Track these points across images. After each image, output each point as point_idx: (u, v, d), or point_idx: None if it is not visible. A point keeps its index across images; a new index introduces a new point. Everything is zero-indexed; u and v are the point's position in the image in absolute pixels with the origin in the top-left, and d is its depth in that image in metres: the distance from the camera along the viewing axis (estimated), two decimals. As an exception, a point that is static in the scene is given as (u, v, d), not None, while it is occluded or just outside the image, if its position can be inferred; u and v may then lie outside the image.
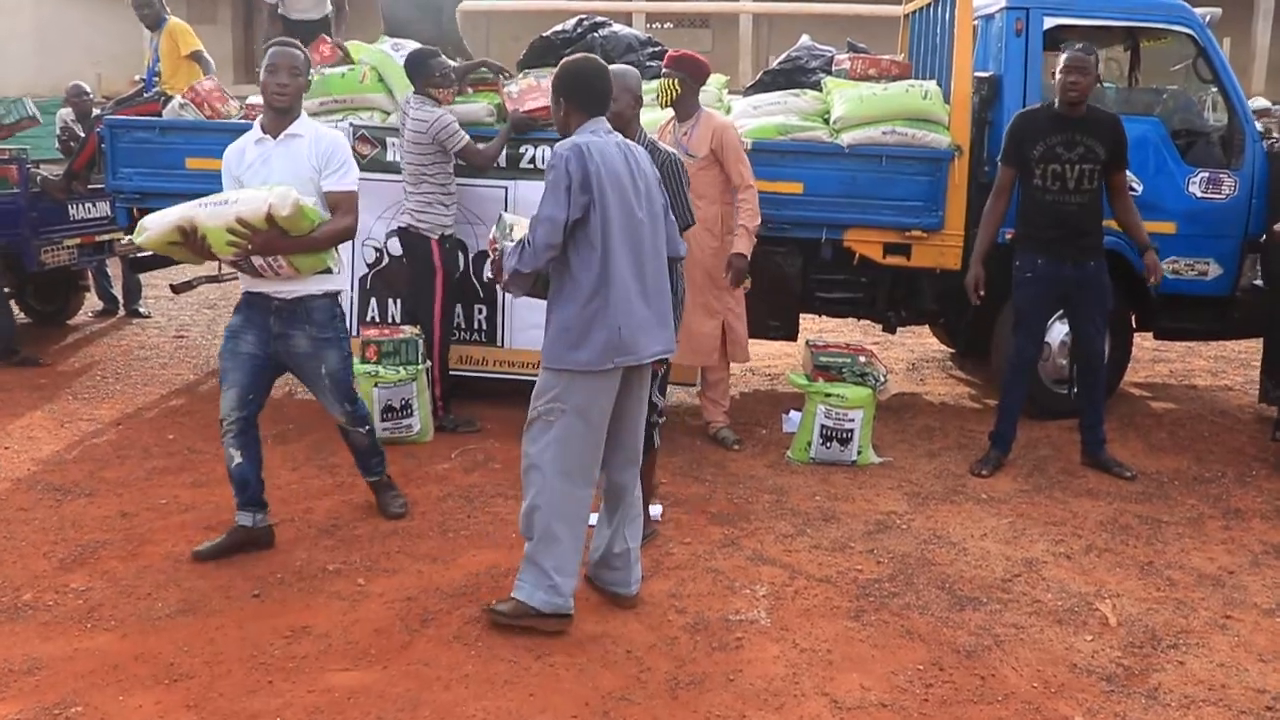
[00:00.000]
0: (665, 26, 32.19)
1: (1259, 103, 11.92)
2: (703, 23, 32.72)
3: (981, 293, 5.70)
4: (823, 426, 5.66)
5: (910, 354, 8.68)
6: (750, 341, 6.40)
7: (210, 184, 6.19)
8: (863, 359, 5.80)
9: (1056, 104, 5.48)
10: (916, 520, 4.96)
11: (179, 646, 3.55)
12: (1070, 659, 3.69)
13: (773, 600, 4.06)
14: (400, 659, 3.53)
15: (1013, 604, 4.12)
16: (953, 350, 8.50)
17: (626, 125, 4.33)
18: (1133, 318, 6.79)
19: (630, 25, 27.39)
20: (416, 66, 5.94)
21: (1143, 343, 8.63)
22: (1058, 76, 5.43)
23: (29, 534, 4.49)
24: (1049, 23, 6.41)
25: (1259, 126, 6.69)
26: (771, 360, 8.16)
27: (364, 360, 5.79)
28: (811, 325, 8.34)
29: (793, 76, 7.49)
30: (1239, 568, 4.51)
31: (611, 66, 4.00)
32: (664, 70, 5.84)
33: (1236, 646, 3.82)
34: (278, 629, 3.70)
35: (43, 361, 7.49)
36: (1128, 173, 5.71)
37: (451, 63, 6.20)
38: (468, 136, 5.91)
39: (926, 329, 8.57)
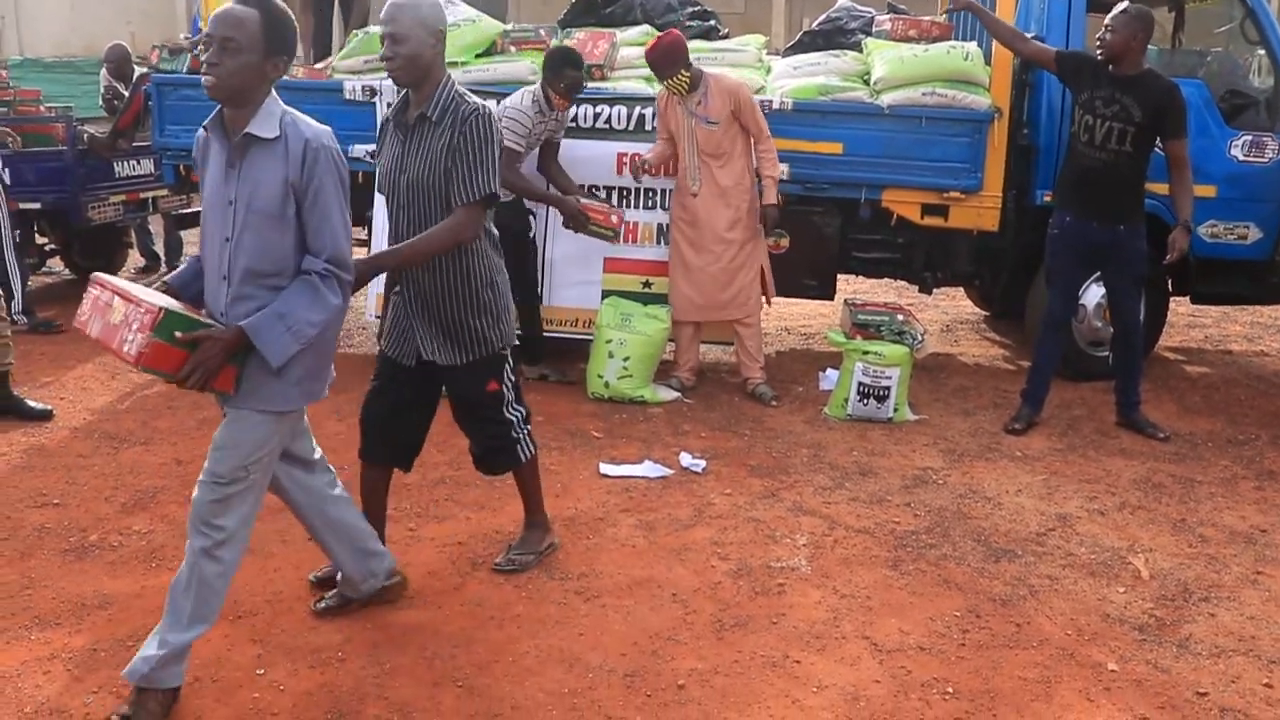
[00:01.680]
0: (699, -13, 31.98)
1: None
2: (738, -16, 32.44)
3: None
4: (860, 383, 5.74)
5: (945, 316, 8.73)
6: (788, 300, 6.46)
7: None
8: (900, 318, 5.86)
9: (1100, 60, 5.49)
10: (952, 476, 5.04)
11: (240, 585, 3.66)
12: (1103, 609, 3.78)
13: (813, 549, 4.16)
14: (453, 599, 3.66)
15: (1047, 556, 4.20)
16: (987, 313, 8.55)
17: (425, 71, 3.34)
18: (1169, 281, 6.80)
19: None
20: (554, 62, 5.84)
21: (1178, 308, 8.64)
22: (1132, 38, 5.39)
23: (90, 480, 4.64)
24: (1093, -17, 6.40)
25: None
26: (807, 320, 8.22)
27: (408, 315, 5.89)
28: (846, 286, 8.38)
29: (832, 38, 7.49)
30: (1271, 526, 4.57)
31: None
32: (666, 73, 5.81)
33: (1267, 600, 3.89)
34: (334, 570, 3.82)
35: (60, 327, 7.14)
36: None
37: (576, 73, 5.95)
38: (517, 148, 5.78)
39: (961, 291, 8.64)
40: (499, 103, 5.93)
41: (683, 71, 5.78)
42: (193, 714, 2.95)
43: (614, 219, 6.00)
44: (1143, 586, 3.98)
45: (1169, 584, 4.00)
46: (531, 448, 3.81)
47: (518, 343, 3.86)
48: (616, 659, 3.30)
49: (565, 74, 5.79)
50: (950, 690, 3.21)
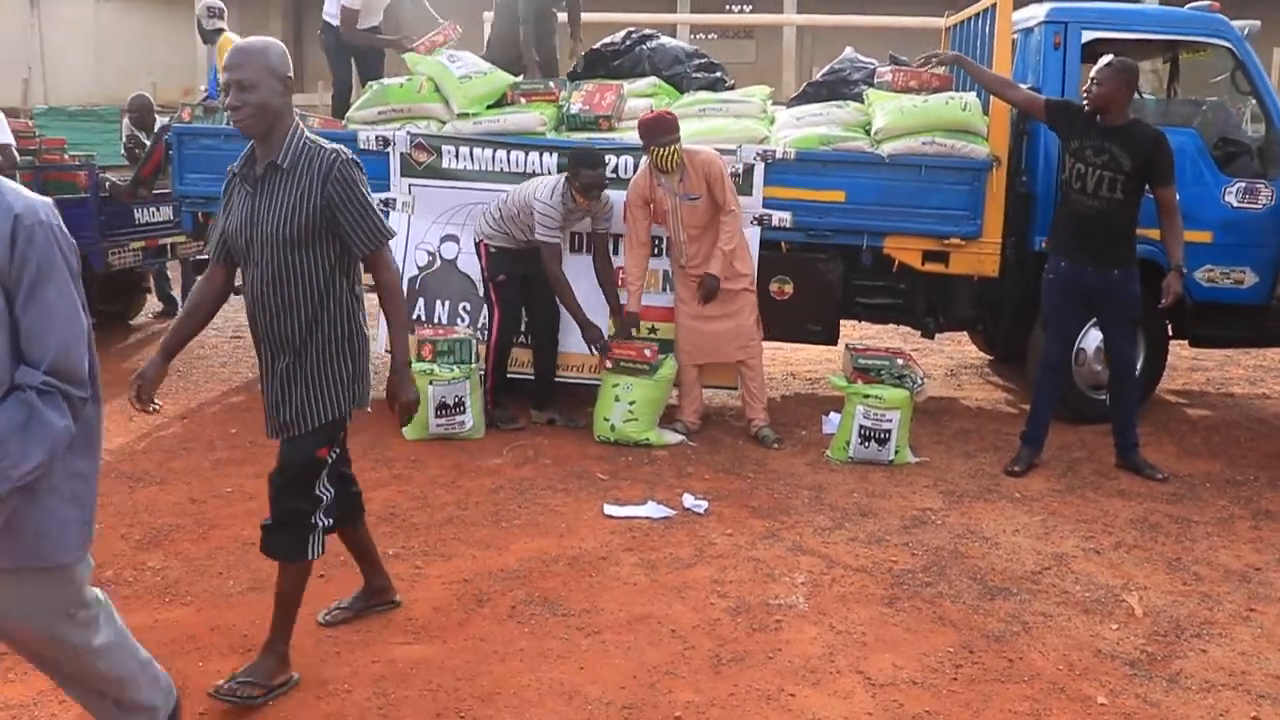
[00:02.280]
0: (710, 37, 32.46)
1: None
2: (746, 34, 32.99)
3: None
4: (861, 426, 5.83)
5: (949, 360, 8.82)
6: (794, 346, 6.57)
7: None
8: (900, 362, 5.97)
9: (1088, 109, 5.63)
10: (951, 516, 5.12)
11: (250, 620, 3.79)
12: (1095, 645, 3.85)
13: (811, 587, 4.25)
14: (458, 634, 3.76)
15: (1041, 594, 4.27)
16: (991, 357, 8.64)
17: (274, 119, 3.19)
18: (1168, 326, 6.90)
19: (674, 37, 27.61)
20: (581, 161, 6.06)
21: (1181, 351, 8.73)
22: (1093, 87, 5.58)
23: (106, 517, 4.76)
24: (1087, 36, 6.55)
25: None
26: (813, 365, 8.33)
27: (419, 359, 6.03)
28: (851, 332, 8.49)
29: (836, 88, 7.66)
30: (1265, 565, 4.63)
31: (242, 41, 3.31)
32: (661, 141, 5.93)
33: (1259, 637, 3.95)
34: (343, 605, 3.93)
35: None
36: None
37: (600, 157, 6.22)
38: (553, 239, 6.02)
39: (965, 336, 8.75)
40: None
41: (673, 143, 5.91)
42: (203, 743, 3.05)
43: (647, 353, 6.14)
44: (1136, 623, 4.05)
45: (1162, 621, 4.07)
46: (318, 550, 3.36)
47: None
48: (615, 692, 3.39)
49: (581, 174, 5.99)
50: (941, 722, 3.29)
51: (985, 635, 3.89)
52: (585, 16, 8.92)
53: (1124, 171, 5.50)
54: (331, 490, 3.40)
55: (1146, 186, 5.56)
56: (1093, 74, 5.60)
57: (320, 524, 3.36)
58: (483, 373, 6.26)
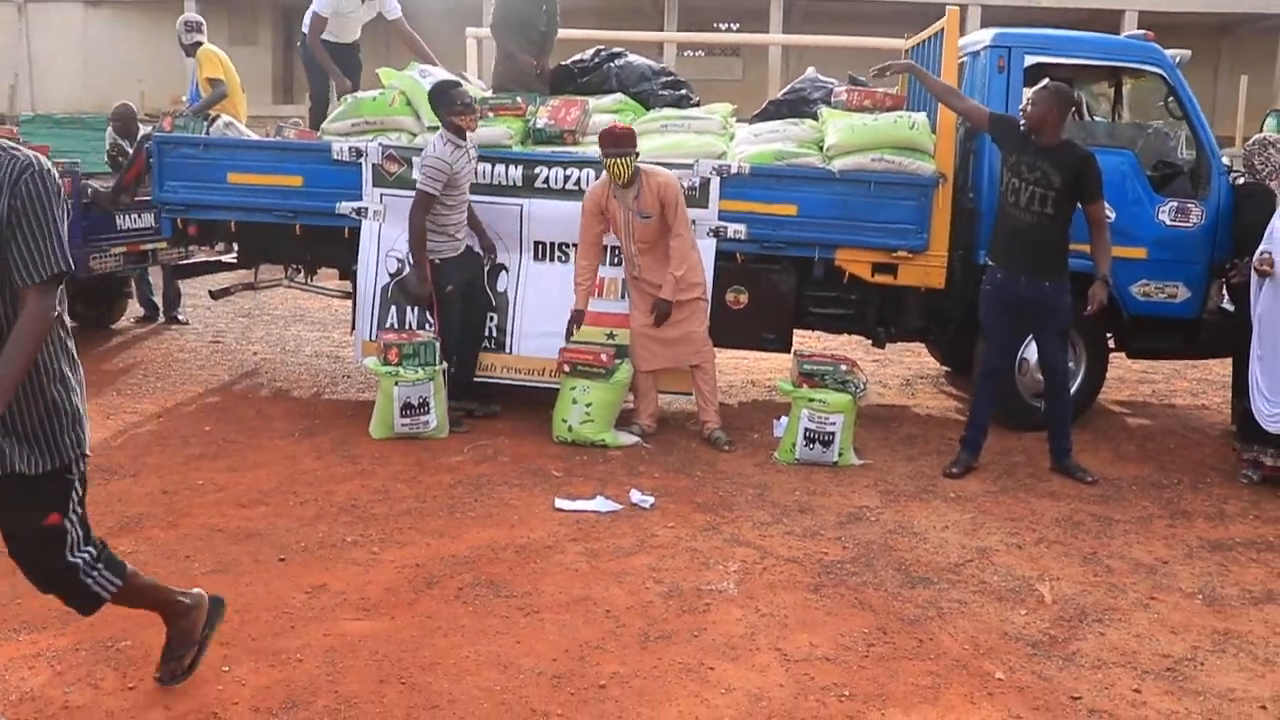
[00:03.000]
0: (697, 54, 32.90)
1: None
2: (733, 51, 33.40)
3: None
4: (806, 429, 6.12)
5: (907, 371, 9.12)
6: (756, 355, 6.85)
7: (249, 197, 6.82)
8: (844, 367, 6.26)
9: (1025, 129, 5.95)
10: (886, 513, 5.41)
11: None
12: (1003, 628, 4.13)
13: (742, 575, 4.52)
14: (406, 612, 4.02)
15: (960, 584, 4.55)
16: (947, 368, 8.94)
17: None
18: (1108, 339, 7.21)
19: (661, 54, 27.86)
20: (439, 97, 6.46)
21: (1132, 365, 9.08)
22: (1029, 108, 5.89)
23: (81, 505, 5.01)
24: (1029, 61, 6.87)
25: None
26: (772, 373, 8.61)
27: (385, 362, 6.30)
28: (816, 342, 8.76)
29: (796, 106, 7.98)
30: (1173, 559, 4.93)
31: None
32: (614, 152, 6.22)
33: (1154, 622, 4.24)
34: (299, 586, 4.20)
35: None
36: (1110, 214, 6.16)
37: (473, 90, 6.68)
38: (433, 190, 6.31)
39: (923, 348, 9.05)
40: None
41: (629, 156, 6.22)
42: (160, 704, 3.31)
43: (603, 358, 6.42)
44: (1044, 610, 4.33)
45: (1069, 608, 4.36)
46: (113, 583, 3.16)
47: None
48: (547, 663, 3.66)
49: (445, 110, 6.40)
50: (847, 693, 3.56)
51: (901, 619, 4.17)
52: (576, 34, 9.24)
53: (1054, 188, 5.82)
54: (92, 549, 3.12)
55: (1078, 203, 5.87)
56: (1029, 95, 5.93)
57: (94, 573, 3.10)
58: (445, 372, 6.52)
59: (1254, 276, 5.95)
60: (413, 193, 6.83)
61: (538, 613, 4.06)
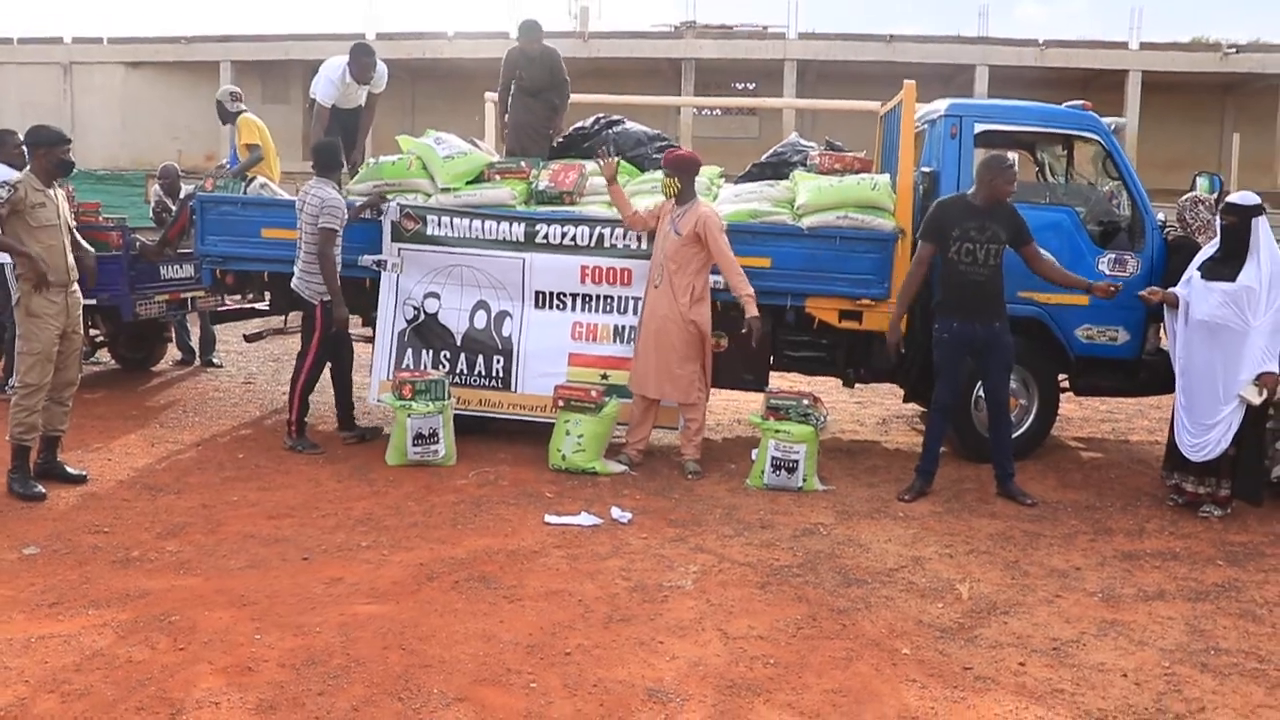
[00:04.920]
0: (715, 114, 33.97)
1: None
2: (750, 111, 34.41)
3: (902, 351, 6.87)
4: (773, 457, 6.84)
5: (885, 411, 9.82)
6: (747, 396, 7.49)
7: (280, 250, 7.62)
8: (806, 402, 6.98)
9: (970, 195, 6.71)
10: (838, 529, 6.11)
11: (247, 587, 4.81)
12: (919, 618, 4.82)
13: (700, 575, 5.24)
14: (409, 599, 4.76)
15: (891, 584, 5.25)
16: (924, 409, 9.62)
17: None
18: (1059, 379, 7.91)
19: (679, 115, 28.71)
20: (326, 154, 7.49)
21: (1099, 405, 9.77)
22: (994, 180, 6.59)
23: (133, 516, 5.81)
24: (979, 128, 7.65)
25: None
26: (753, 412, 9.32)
27: (399, 397, 7.08)
28: (813, 385, 9.48)
29: (778, 169, 8.78)
30: (1086, 566, 5.60)
31: None
32: (665, 169, 7.14)
33: (1053, 614, 4.92)
34: (319, 578, 4.96)
35: None
36: (1045, 252, 6.92)
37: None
38: (336, 226, 7.25)
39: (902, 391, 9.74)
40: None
41: (674, 178, 7.07)
42: (204, 659, 4.06)
43: (594, 394, 7.20)
44: (959, 604, 5.02)
45: (981, 603, 5.04)
46: None
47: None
48: (523, 637, 4.39)
49: (323, 168, 7.44)
50: (772, 661, 4.27)
51: (831, 609, 4.87)
52: (597, 98, 10.12)
53: (1001, 241, 6.59)
54: None
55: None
56: (1012, 171, 6.67)
57: None
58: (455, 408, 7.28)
59: (1167, 318, 6.67)
60: (426, 247, 7.67)
61: (520, 601, 4.79)
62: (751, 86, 34.35)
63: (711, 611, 4.78)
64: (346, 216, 7.36)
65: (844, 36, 31.11)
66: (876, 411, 9.80)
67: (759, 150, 8.26)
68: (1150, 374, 7.73)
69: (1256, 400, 6.20)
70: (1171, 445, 6.74)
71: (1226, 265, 6.37)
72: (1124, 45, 30.08)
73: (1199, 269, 6.51)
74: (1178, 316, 6.63)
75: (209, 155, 27.19)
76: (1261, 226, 6.35)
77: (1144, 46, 29.91)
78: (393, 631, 4.39)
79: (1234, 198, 6.51)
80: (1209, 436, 6.37)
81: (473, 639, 4.36)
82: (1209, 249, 6.60)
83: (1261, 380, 6.18)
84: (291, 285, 7.48)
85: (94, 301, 8.63)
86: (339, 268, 7.42)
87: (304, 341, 7.49)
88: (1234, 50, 29.06)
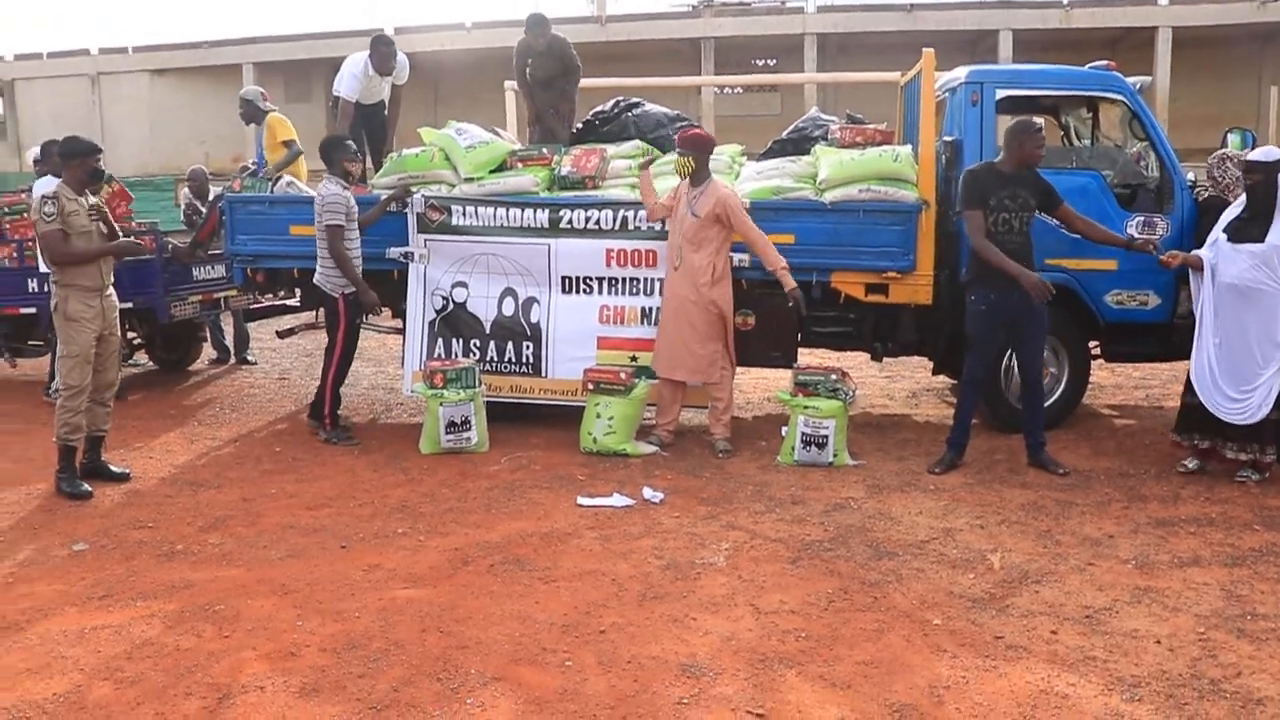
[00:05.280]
0: (736, 92, 33.87)
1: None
2: (771, 88, 34.27)
3: (1053, 292, 6.66)
4: (803, 434, 6.87)
5: (915, 384, 9.82)
6: (769, 373, 7.51)
7: (309, 247, 7.70)
8: (834, 377, 7.01)
9: (998, 163, 6.69)
10: (868, 503, 6.14)
11: (288, 576, 4.92)
12: (950, 589, 4.85)
13: (732, 551, 5.29)
14: (446, 583, 4.85)
15: (922, 556, 5.27)
16: (954, 381, 9.61)
17: None
18: (1089, 346, 7.88)
19: (700, 94, 28.67)
20: (332, 148, 7.54)
21: (1131, 372, 9.71)
22: (1023, 145, 6.58)
23: (175, 510, 5.94)
24: (1000, 94, 7.61)
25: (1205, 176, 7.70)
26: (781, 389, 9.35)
27: (431, 386, 7.17)
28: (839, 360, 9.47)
29: (799, 144, 8.79)
30: (1119, 534, 5.60)
31: None
32: (678, 149, 7.18)
33: (1085, 582, 4.93)
34: (358, 565, 5.06)
35: None
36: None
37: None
38: (340, 222, 7.29)
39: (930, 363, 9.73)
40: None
41: (688, 156, 7.09)
42: (248, 646, 4.17)
43: (623, 376, 7.24)
44: (991, 575, 5.04)
45: (1013, 573, 5.06)
46: None
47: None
48: (558, 616, 4.47)
49: (344, 148, 7.56)
50: (804, 635, 4.32)
51: (862, 583, 4.91)
52: (616, 81, 10.16)
53: (1031, 209, 6.59)
54: None
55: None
56: (1039, 133, 6.63)
57: None
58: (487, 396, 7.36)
59: (1192, 280, 6.62)
60: (452, 238, 7.74)
61: (554, 582, 4.87)
62: (772, 63, 34.18)
63: (743, 587, 4.83)
64: (350, 208, 7.40)
65: (864, 7, 30.89)
66: (906, 385, 9.80)
67: (782, 126, 8.29)
68: (1183, 338, 7.60)
69: None
70: (1189, 407, 6.68)
71: (1254, 225, 6.28)
72: (1152, 1, 29.65)
73: (1225, 230, 6.45)
74: (1203, 279, 6.55)
75: (235, 157, 27.47)
76: None
77: (1173, 1, 29.47)
78: (430, 615, 4.48)
79: (1257, 154, 6.40)
80: (1250, 401, 6.28)
81: (508, 620, 4.44)
82: (1235, 209, 6.52)
83: None
84: (314, 281, 7.58)
85: (130, 305, 8.77)
86: (359, 260, 7.53)
87: (330, 335, 7.58)
88: (1271, -1, 28.53)
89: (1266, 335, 6.22)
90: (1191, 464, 6.68)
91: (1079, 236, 6.92)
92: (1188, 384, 6.62)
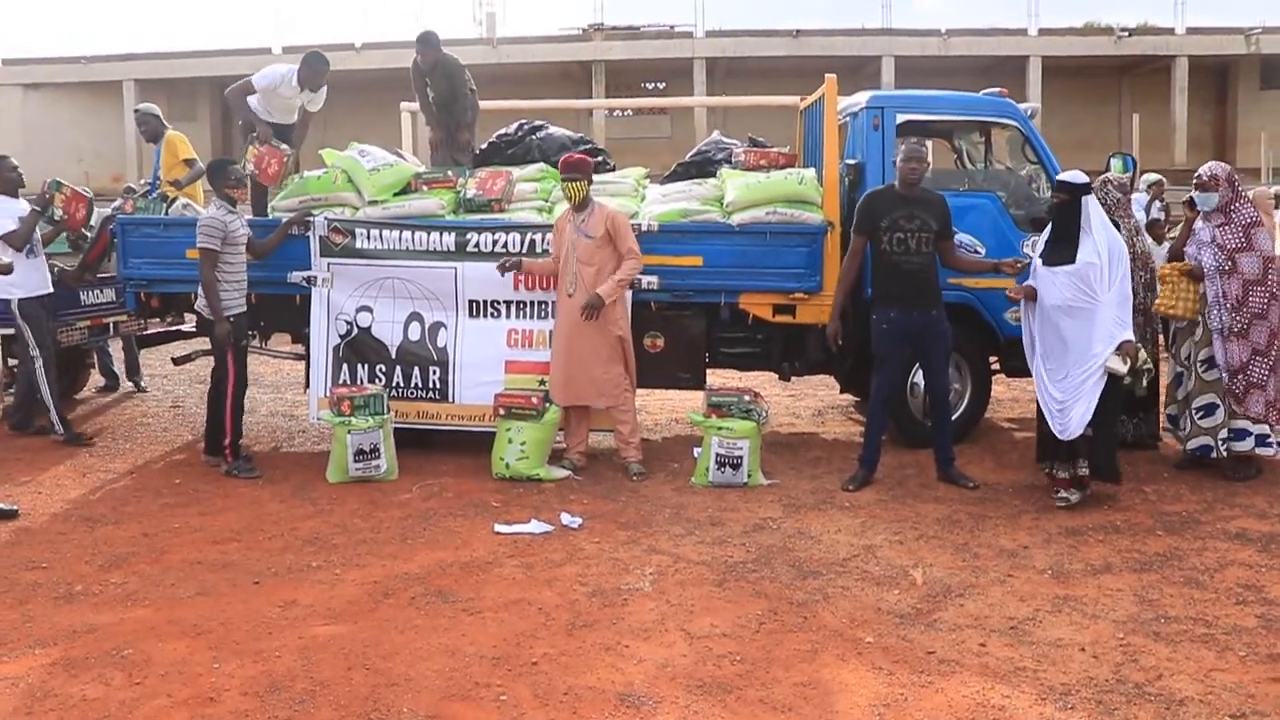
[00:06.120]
0: (626, 114, 34.04)
1: (1149, 177, 13.45)
2: (661, 111, 34.52)
3: (840, 342, 6.95)
4: (717, 454, 6.87)
5: (820, 402, 9.92)
6: (680, 394, 7.52)
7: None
8: (748, 398, 7.03)
9: (897, 185, 6.82)
10: (786, 523, 6.15)
11: (200, 615, 4.71)
12: (877, 605, 4.88)
13: (657, 576, 5.24)
14: (367, 618, 4.70)
15: (846, 574, 5.30)
16: (857, 399, 9.75)
17: None
18: (990, 362, 8.07)
19: (591, 116, 28.80)
20: (215, 172, 7.32)
21: (1026, 386, 9.89)
22: (899, 164, 6.77)
23: (71, 549, 5.65)
24: (900, 119, 7.76)
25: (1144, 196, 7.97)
26: (693, 410, 9.36)
27: (338, 413, 6.97)
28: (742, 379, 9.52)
29: (702, 167, 8.85)
30: (1033, 544, 5.72)
31: None
32: (568, 176, 7.05)
33: (1007, 594, 5.02)
34: (273, 602, 4.86)
35: (93, 440, 8.21)
36: (970, 237, 7.09)
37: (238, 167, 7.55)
38: (213, 246, 7.00)
39: (834, 381, 9.85)
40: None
41: (584, 181, 7.04)
42: (162, 693, 3.96)
43: (534, 400, 7.14)
44: (915, 590, 5.09)
45: (936, 587, 5.12)
46: None
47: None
48: (488, 649, 4.36)
49: (227, 172, 7.27)
50: (739, 658, 4.29)
51: (790, 603, 4.91)
52: (510, 104, 10.05)
53: (933, 230, 6.71)
54: None
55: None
56: (910, 154, 6.75)
57: None
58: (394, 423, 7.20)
59: (1023, 310, 6.72)
60: (356, 261, 7.57)
61: (479, 613, 4.75)
62: (661, 86, 34.50)
63: (672, 612, 4.78)
64: (228, 231, 7.08)
65: (751, 33, 31.41)
66: (810, 403, 9.89)
67: (672, 149, 8.32)
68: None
69: (1123, 368, 6.10)
70: (1042, 435, 6.77)
71: (1064, 247, 6.40)
72: (1023, 32, 30.80)
73: (1040, 257, 6.56)
74: (1032, 307, 6.60)
75: (115, 177, 26.58)
76: (1091, 204, 6.40)
77: (1042, 33, 30.66)
78: (354, 652, 4.33)
79: (1064, 176, 6.52)
80: (1071, 415, 6.27)
81: (437, 654, 4.31)
82: (1043, 236, 6.65)
83: (1123, 349, 6.13)
84: (195, 307, 7.34)
85: (10, 331, 8.36)
86: (242, 284, 7.33)
87: (217, 362, 7.32)
88: (1126, 34, 29.94)
89: (1082, 348, 6.28)
90: (1073, 497, 6.47)
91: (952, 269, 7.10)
92: (1039, 412, 6.69)
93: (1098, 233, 6.34)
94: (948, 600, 4.95)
